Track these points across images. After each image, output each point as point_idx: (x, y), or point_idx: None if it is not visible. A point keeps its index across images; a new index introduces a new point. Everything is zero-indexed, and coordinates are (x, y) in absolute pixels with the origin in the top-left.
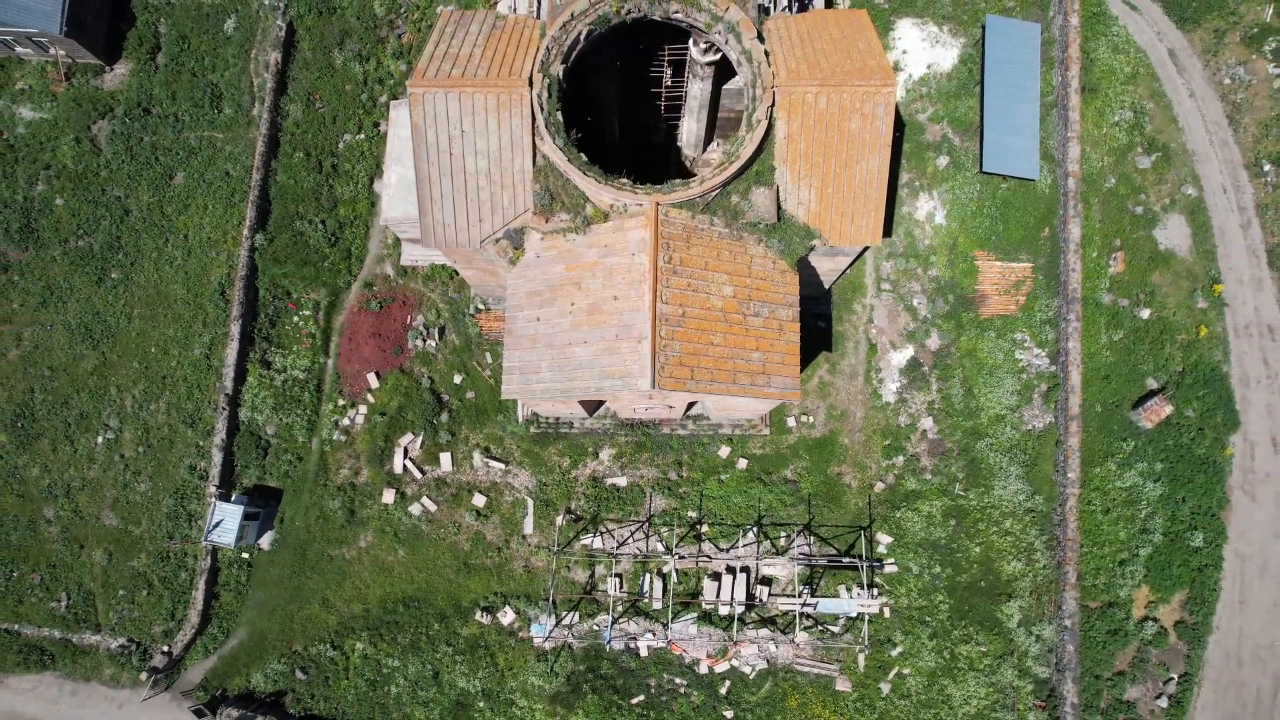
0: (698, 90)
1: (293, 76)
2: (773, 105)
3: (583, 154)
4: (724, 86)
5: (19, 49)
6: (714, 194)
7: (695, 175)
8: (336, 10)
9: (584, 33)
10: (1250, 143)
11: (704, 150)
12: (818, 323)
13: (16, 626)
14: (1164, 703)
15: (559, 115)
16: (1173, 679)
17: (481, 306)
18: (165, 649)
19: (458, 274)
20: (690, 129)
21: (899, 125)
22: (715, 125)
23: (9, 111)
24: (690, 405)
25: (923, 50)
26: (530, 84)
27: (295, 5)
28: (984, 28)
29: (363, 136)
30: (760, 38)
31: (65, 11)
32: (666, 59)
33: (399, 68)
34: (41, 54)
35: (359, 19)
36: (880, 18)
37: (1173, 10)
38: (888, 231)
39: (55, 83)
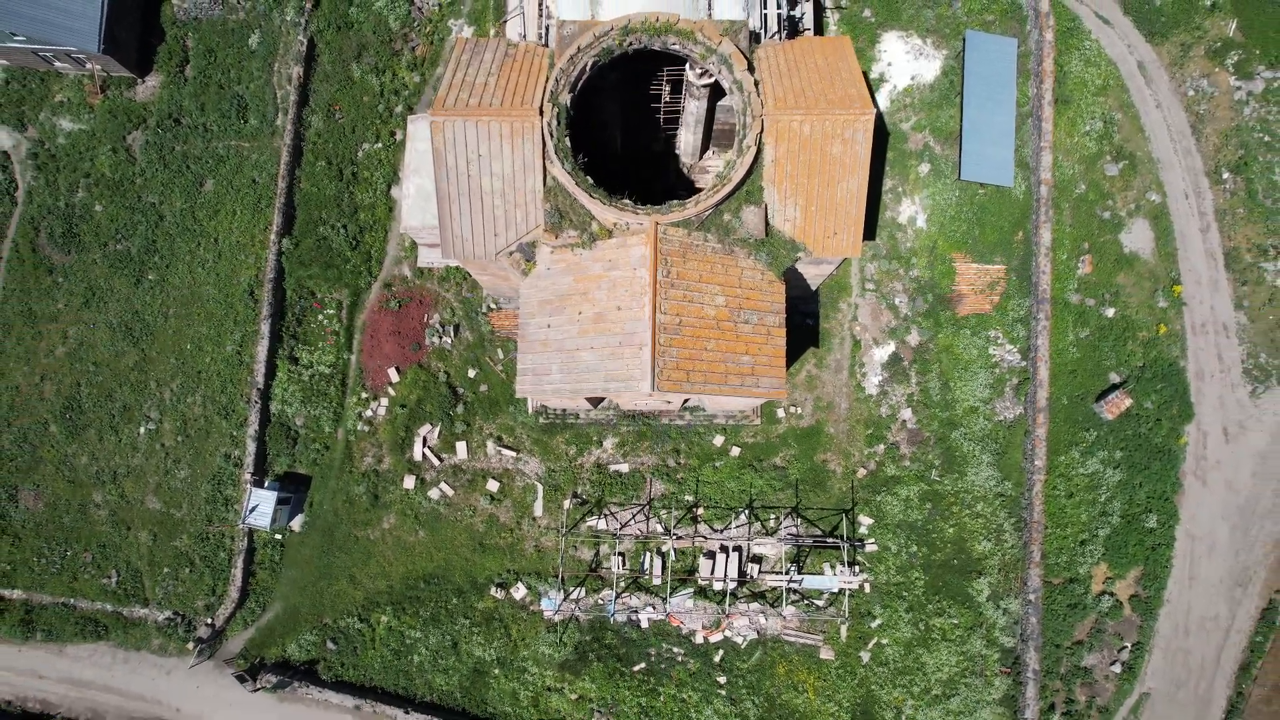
0: (694, 107)
1: (314, 89)
2: (761, 132)
3: (589, 177)
4: (718, 103)
5: (58, 64)
6: (708, 213)
7: (692, 182)
8: (354, 25)
9: (590, 64)
10: (1211, 151)
11: (700, 157)
12: (805, 320)
13: (72, 600)
14: (1118, 669)
15: (567, 141)
16: (1126, 647)
17: (493, 306)
18: (208, 621)
19: (470, 276)
20: (687, 140)
21: (883, 134)
22: (711, 135)
23: (50, 123)
24: (686, 399)
25: (907, 62)
26: (541, 112)
27: (315, 21)
28: (964, 41)
29: (380, 145)
30: (751, 67)
31: (103, 30)
32: (665, 79)
33: (413, 79)
34: (78, 68)
35: (375, 33)
36: (867, 30)
37: (1143, 24)
38: (870, 235)
39: (91, 95)
